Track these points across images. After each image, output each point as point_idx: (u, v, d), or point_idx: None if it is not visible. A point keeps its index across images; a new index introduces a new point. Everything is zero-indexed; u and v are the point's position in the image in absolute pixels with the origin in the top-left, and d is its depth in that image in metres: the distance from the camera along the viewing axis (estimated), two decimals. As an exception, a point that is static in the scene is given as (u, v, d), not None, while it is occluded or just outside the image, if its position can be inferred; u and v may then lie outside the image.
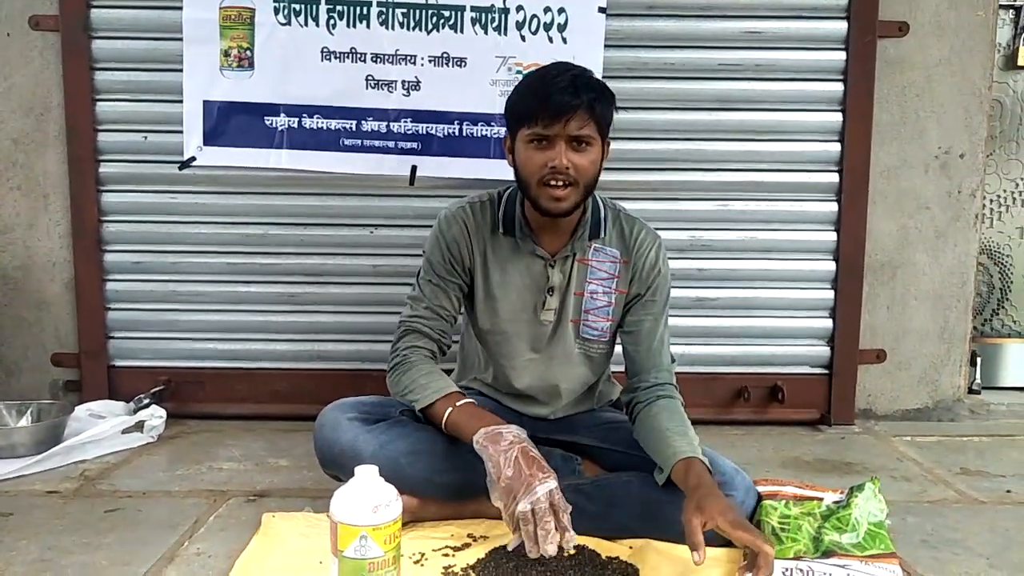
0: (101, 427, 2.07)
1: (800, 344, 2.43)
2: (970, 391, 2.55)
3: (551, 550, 1.29)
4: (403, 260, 2.38)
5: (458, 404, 1.51)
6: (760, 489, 1.57)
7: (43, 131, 2.35)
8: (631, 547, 1.49)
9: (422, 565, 1.41)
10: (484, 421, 1.45)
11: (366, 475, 1.19)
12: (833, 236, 2.39)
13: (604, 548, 1.48)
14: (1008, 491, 1.88)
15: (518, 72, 2.29)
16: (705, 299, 2.40)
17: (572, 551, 1.36)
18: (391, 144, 2.32)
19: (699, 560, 1.25)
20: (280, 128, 2.31)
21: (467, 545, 1.50)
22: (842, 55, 2.33)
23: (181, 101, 2.28)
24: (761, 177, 2.38)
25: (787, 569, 1.32)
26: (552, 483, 1.33)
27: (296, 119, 2.31)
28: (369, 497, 1.16)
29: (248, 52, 2.29)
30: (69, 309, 2.39)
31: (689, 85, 2.35)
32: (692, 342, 2.39)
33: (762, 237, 2.40)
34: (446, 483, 1.56)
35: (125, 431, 2.12)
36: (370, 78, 2.30)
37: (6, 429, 2.06)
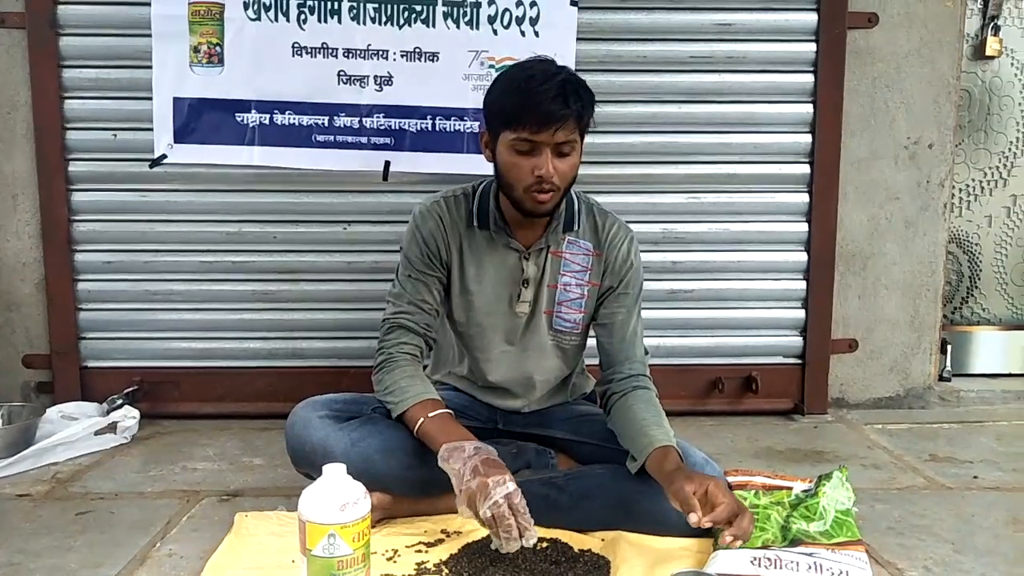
0: (73, 429, 2.06)
1: (773, 335, 2.46)
2: (940, 378, 2.58)
3: (513, 547, 1.33)
4: (377, 256, 2.37)
5: (430, 415, 1.51)
6: (730, 479, 1.59)
7: (10, 130, 2.32)
8: (603, 539, 1.50)
9: (395, 561, 1.42)
10: (450, 436, 1.46)
11: (334, 473, 1.19)
12: (805, 227, 2.41)
13: (576, 541, 1.49)
14: (975, 477, 1.92)
15: (491, 67, 2.29)
16: (679, 291, 2.41)
17: (541, 545, 1.39)
18: (364, 140, 2.31)
19: (697, 521, 1.28)
20: (251, 124, 2.29)
21: (440, 541, 1.50)
22: (812, 46, 2.34)
23: (151, 98, 2.26)
24: (733, 169, 2.39)
25: (755, 558, 1.34)
26: (509, 486, 1.34)
27: (267, 115, 2.29)
28: (337, 495, 1.16)
29: (218, 48, 2.27)
30: (40, 310, 2.37)
31: (661, 78, 2.35)
32: (666, 334, 2.41)
33: (734, 229, 2.41)
34: (419, 479, 1.56)
35: (98, 432, 2.10)
36: (342, 73, 2.29)
37: (-24, 432, 2.04)
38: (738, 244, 2.42)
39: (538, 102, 1.45)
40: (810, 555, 1.35)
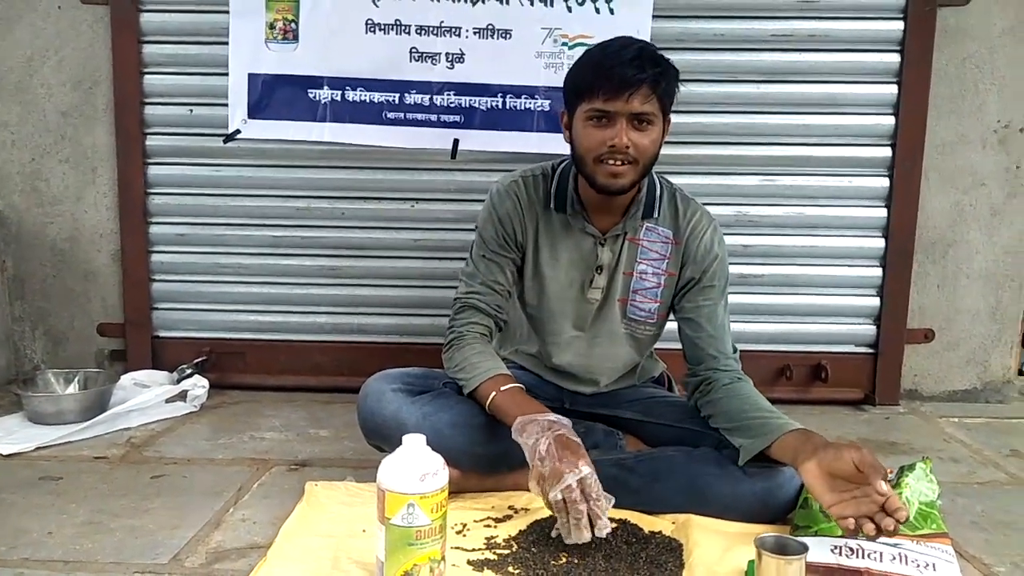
0: (146, 396, 2.11)
1: (845, 323, 2.38)
2: (1020, 372, 2.48)
3: (585, 537, 1.27)
4: (444, 234, 2.37)
5: (502, 388, 1.49)
6: (807, 468, 1.54)
7: (92, 104, 2.38)
8: (673, 522, 1.47)
9: (464, 535, 1.41)
10: (524, 409, 1.43)
11: (414, 444, 1.18)
12: (884, 212, 2.33)
13: (646, 523, 1.46)
14: (1063, 475, 1.83)
15: (564, 44, 2.26)
16: (749, 276, 2.35)
17: (604, 535, 1.31)
18: (433, 117, 2.31)
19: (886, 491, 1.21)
20: (323, 101, 2.30)
21: (508, 517, 1.49)
22: (899, 25, 2.25)
23: (226, 74, 2.29)
24: (810, 151, 2.32)
25: (836, 547, 1.29)
26: (584, 470, 1.29)
27: (339, 92, 2.30)
28: (416, 466, 1.16)
29: (293, 24, 2.28)
30: (115, 280, 2.43)
31: (738, 56, 2.29)
32: (734, 319, 2.27)
33: (810, 213, 2.34)
34: (487, 455, 1.55)
35: (169, 400, 2.15)
36: (414, 50, 2.28)
37: (55, 396, 2.11)
38: (812, 229, 2.35)
39: (611, 66, 1.41)
40: (894, 546, 1.30)
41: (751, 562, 1.22)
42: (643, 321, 1.66)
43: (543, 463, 1.32)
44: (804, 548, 1.17)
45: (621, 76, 1.40)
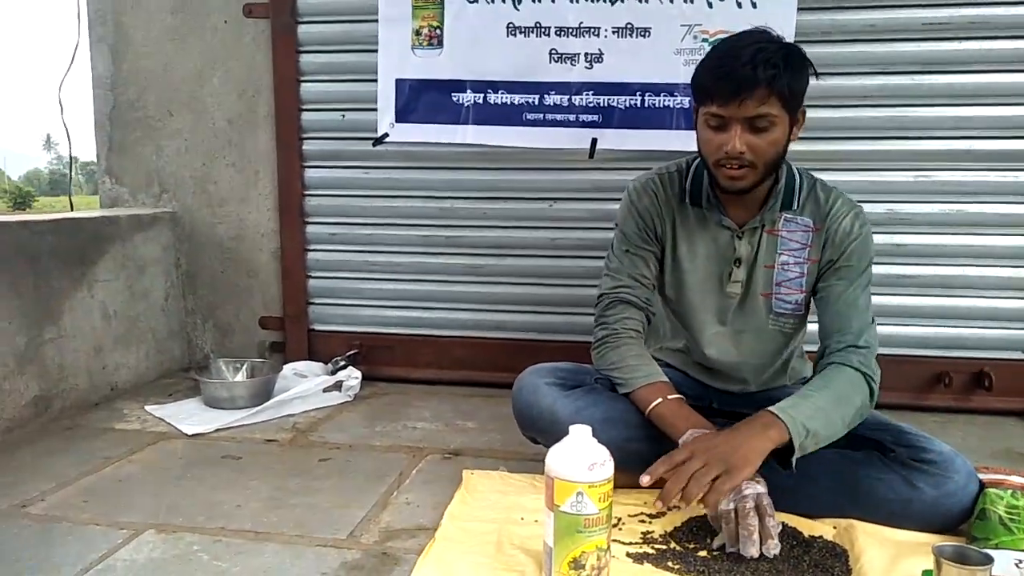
0: (305, 385, 2.26)
1: (1011, 327, 2.24)
2: None
3: (752, 552, 1.27)
4: (581, 233, 2.41)
5: (669, 397, 1.51)
6: (982, 477, 1.47)
7: (254, 112, 2.56)
8: (835, 527, 1.44)
9: (620, 529, 1.44)
10: (692, 422, 1.45)
11: (581, 434, 1.21)
12: (1054, 209, 2.18)
13: (805, 526, 1.44)
14: None
15: (704, 40, 2.25)
16: (902, 276, 2.25)
17: (772, 556, 1.29)
18: (572, 117, 2.35)
19: (645, 481, 1.30)
20: (466, 104, 2.39)
21: (662, 513, 1.50)
22: (1069, 8, 2.11)
23: (375, 80, 2.41)
24: (969, 145, 2.20)
25: (1020, 561, 1.23)
26: (760, 488, 1.30)
27: (481, 95, 2.38)
28: (584, 455, 1.19)
29: (438, 31, 2.38)
30: (275, 277, 2.61)
31: (889, 47, 2.21)
32: (886, 322, 2.25)
33: (969, 210, 2.22)
34: (638, 452, 1.55)
35: (326, 390, 2.29)
36: (553, 52, 2.33)
37: (229, 383, 2.28)
38: (973, 227, 2.23)
39: (724, 73, 1.38)
40: (1088, 564, 1.22)
41: (927, 572, 1.18)
42: (790, 314, 1.63)
43: None
44: (988, 559, 1.12)
45: (733, 80, 1.37)
